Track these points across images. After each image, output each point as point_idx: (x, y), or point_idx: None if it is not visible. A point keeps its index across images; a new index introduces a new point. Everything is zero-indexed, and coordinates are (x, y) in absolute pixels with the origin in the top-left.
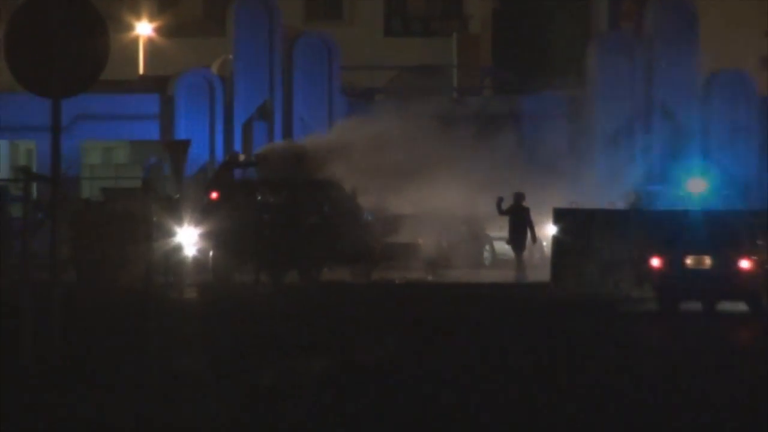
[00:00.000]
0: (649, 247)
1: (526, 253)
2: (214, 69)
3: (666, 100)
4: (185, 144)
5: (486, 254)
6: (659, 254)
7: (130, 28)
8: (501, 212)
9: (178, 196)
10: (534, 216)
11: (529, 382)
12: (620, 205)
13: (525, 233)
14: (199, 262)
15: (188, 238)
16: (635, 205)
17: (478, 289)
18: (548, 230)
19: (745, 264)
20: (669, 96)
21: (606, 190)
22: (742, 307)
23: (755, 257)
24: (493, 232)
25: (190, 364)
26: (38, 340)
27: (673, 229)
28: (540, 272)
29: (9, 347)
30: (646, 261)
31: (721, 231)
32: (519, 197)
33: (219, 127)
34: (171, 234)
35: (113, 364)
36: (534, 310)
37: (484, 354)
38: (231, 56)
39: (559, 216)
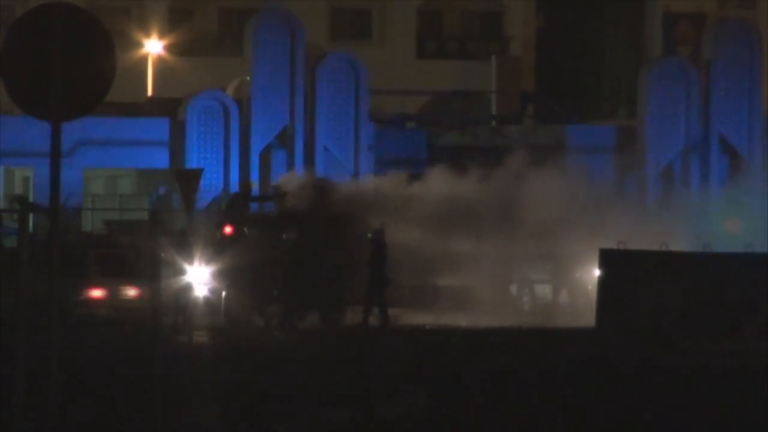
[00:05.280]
0: None
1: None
2: (230, 91)
3: (725, 132)
4: (197, 173)
5: (525, 298)
6: None
7: (138, 45)
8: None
9: (188, 230)
10: (579, 257)
11: None
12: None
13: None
14: (210, 303)
15: (199, 276)
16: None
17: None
18: (594, 273)
19: None
20: (728, 128)
21: (657, 230)
22: None
23: None
24: (534, 275)
25: (201, 418)
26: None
27: None
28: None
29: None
30: None
31: None
32: (380, 233)
33: (234, 155)
34: (180, 272)
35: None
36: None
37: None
38: (248, 78)
39: (607, 258)
